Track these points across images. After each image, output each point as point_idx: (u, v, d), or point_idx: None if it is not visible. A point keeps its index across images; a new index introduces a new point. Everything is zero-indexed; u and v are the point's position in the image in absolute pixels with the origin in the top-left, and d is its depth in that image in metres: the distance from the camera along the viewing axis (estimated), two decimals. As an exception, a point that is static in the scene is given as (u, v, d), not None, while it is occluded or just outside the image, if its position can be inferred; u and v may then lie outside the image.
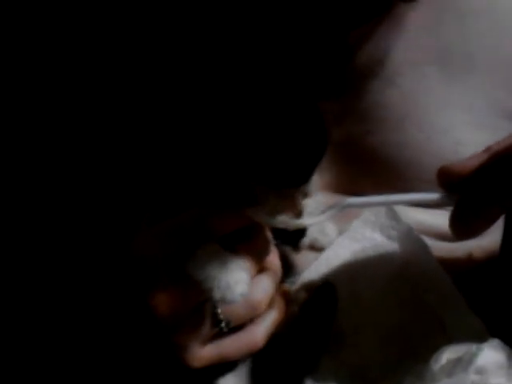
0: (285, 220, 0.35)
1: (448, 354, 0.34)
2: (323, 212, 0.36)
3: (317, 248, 0.42)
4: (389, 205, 0.41)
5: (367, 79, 0.42)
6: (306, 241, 0.42)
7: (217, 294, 0.33)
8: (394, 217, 0.42)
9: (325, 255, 0.42)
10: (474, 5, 0.41)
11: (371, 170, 0.44)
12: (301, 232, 0.42)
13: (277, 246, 0.39)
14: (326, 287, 0.39)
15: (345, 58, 0.42)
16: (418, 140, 0.42)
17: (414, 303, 0.40)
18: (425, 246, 0.40)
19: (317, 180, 0.43)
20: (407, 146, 0.42)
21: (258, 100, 0.36)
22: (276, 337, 0.37)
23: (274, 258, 0.38)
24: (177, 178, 0.40)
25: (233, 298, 0.33)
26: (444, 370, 0.33)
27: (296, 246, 0.42)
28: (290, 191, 0.35)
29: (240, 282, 0.33)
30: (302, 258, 0.42)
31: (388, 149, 0.42)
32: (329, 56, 0.42)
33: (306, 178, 0.35)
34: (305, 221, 0.35)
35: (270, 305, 0.37)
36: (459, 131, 0.41)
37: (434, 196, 0.35)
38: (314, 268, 0.42)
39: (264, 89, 0.37)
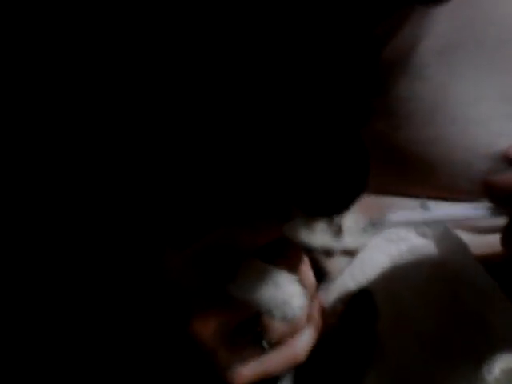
0: (325, 240, 0.33)
1: (501, 364, 0.33)
2: (364, 229, 0.34)
3: (351, 252, 0.41)
4: (435, 223, 0.39)
5: (393, 73, 0.40)
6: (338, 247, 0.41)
7: (277, 313, 0.32)
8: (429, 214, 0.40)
9: (359, 259, 0.41)
10: None
11: (400, 169, 0.42)
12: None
13: (307, 251, 0.38)
14: (363, 295, 0.38)
15: (374, 52, 0.40)
16: (451, 134, 0.40)
17: (452, 304, 0.39)
18: (461, 243, 0.39)
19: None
20: (439, 141, 0.40)
21: (300, 123, 0.34)
22: (317, 349, 0.36)
23: (306, 269, 0.37)
24: (201, 194, 0.39)
25: (293, 313, 0.32)
26: (499, 381, 0.32)
27: (328, 251, 0.41)
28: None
29: (295, 296, 0.32)
30: (334, 263, 0.41)
31: (418, 145, 0.41)
32: (356, 54, 0.40)
33: (344, 208, 0.34)
34: (347, 242, 0.33)
35: (308, 318, 0.36)
36: (496, 123, 0.39)
37: (483, 212, 0.33)
38: (347, 274, 0.40)
39: (305, 112, 0.36)
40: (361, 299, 0.38)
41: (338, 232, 0.34)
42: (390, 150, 0.42)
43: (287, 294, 0.32)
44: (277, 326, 0.34)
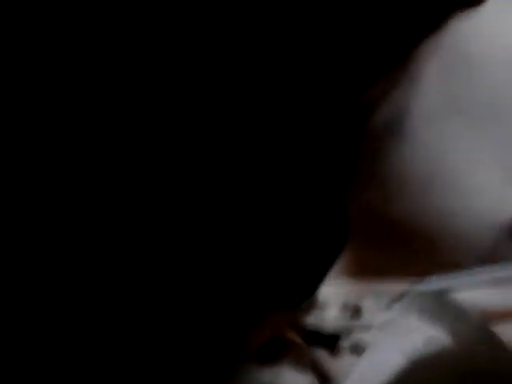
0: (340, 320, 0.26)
1: None
2: (386, 305, 0.28)
3: (360, 350, 0.32)
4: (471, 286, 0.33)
5: (382, 139, 0.37)
6: (347, 342, 0.32)
7: None
8: (443, 299, 0.34)
9: (367, 360, 0.32)
10: (489, 55, 0.39)
11: (396, 245, 0.36)
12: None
13: (310, 350, 0.30)
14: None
15: (361, 120, 0.37)
16: (451, 203, 0.36)
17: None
18: (487, 331, 0.33)
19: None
20: (437, 211, 0.36)
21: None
22: None
23: None
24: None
25: None
26: None
27: (334, 349, 0.32)
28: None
29: None
30: (340, 363, 0.32)
31: (414, 217, 0.36)
32: (344, 121, 0.37)
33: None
34: (367, 321, 0.27)
35: None
36: (497, 190, 0.36)
37: None
38: (356, 378, 0.32)
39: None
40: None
41: (355, 313, 0.28)
42: (382, 224, 0.36)
43: None
44: None
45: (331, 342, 0.32)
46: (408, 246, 0.36)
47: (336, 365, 0.32)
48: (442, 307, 0.34)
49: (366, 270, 0.36)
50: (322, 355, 0.32)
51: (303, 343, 0.30)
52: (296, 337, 0.30)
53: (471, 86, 0.38)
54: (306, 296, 0.31)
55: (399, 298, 0.29)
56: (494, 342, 0.32)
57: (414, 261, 0.36)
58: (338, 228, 0.36)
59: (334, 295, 0.31)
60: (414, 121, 0.37)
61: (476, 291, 0.35)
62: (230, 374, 0.28)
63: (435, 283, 0.31)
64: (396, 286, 0.34)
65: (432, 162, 0.36)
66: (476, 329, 0.33)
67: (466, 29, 0.39)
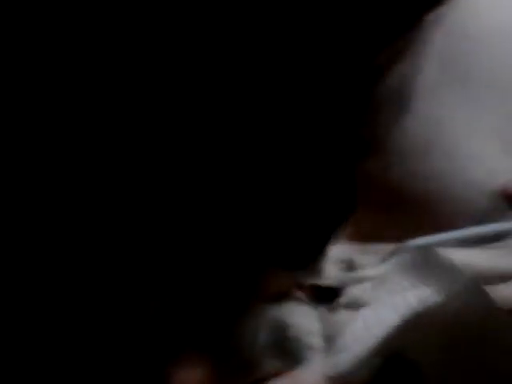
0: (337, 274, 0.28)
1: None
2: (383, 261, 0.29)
3: (356, 307, 0.34)
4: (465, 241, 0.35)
5: (383, 108, 0.38)
6: (343, 299, 0.34)
7: None
8: (435, 259, 0.35)
9: (362, 317, 0.34)
10: (488, 30, 0.40)
11: (395, 209, 0.38)
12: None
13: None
14: (398, 364, 0.31)
15: (374, 83, 0.38)
16: (448, 170, 0.37)
17: (480, 365, 0.33)
18: (479, 291, 0.34)
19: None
20: (435, 178, 0.37)
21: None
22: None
23: None
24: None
25: None
26: None
27: (331, 306, 0.34)
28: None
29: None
30: (337, 319, 0.34)
31: (413, 182, 0.38)
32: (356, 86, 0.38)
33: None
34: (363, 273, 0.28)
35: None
36: (490, 159, 0.37)
37: None
38: (351, 333, 0.33)
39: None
40: (396, 369, 0.31)
41: (349, 267, 0.30)
42: (382, 191, 0.38)
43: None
44: None
45: (330, 297, 0.34)
46: (406, 212, 0.38)
47: (333, 319, 0.34)
48: (434, 265, 0.35)
49: (364, 234, 0.38)
50: (321, 311, 0.34)
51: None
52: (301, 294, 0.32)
53: (471, 61, 0.39)
54: (311, 259, 0.33)
55: (391, 253, 0.30)
56: (485, 301, 0.34)
57: (411, 226, 0.38)
58: (345, 197, 0.37)
59: (330, 253, 0.33)
60: (416, 92, 0.38)
61: (468, 251, 0.37)
62: (242, 312, 0.30)
63: (426, 240, 0.32)
64: (390, 247, 0.36)
65: (430, 131, 0.38)
66: (468, 288, 0.34)
67: (465, 5, 0.40)
